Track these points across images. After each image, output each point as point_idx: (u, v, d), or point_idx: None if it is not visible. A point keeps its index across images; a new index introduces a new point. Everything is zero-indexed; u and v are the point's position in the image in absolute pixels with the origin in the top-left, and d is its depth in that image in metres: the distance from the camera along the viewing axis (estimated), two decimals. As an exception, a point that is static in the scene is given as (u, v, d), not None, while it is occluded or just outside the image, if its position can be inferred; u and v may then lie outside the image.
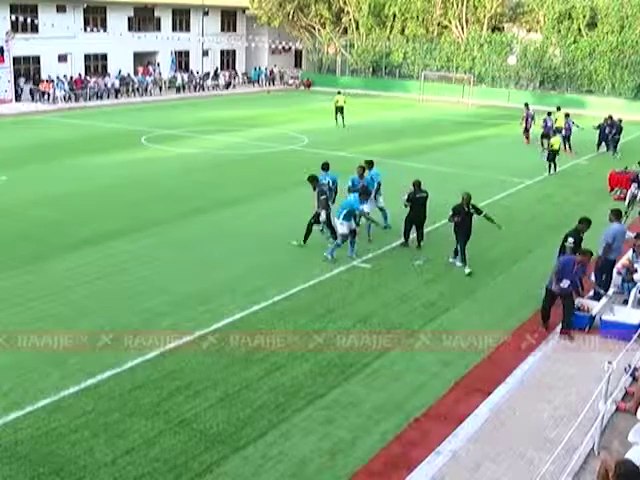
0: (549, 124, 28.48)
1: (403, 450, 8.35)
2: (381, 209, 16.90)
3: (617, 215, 13.09)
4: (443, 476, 7.72)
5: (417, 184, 15.53)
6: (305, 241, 15.45)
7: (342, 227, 14.61)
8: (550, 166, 24.38)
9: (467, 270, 14.26)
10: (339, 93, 34.90)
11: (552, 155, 24.35)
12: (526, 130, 30.52)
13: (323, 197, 15.06)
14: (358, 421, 8.90)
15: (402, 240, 15.86)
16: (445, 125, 35.32)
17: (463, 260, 14.45)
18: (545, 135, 27.86)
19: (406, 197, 15.42)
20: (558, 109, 31.14)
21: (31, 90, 41.04)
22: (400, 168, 24.67)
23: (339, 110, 33.83)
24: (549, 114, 29.16)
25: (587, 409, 7.88)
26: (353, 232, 14.76)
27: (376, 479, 7.84)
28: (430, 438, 8.51)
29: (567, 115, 29.15)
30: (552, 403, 9.26)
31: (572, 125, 28.46)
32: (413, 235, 15.83)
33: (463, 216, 14.17)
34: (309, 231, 15.45)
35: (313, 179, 15.45)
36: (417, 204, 15.44)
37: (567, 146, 28.05)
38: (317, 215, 15.28)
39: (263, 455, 8.15)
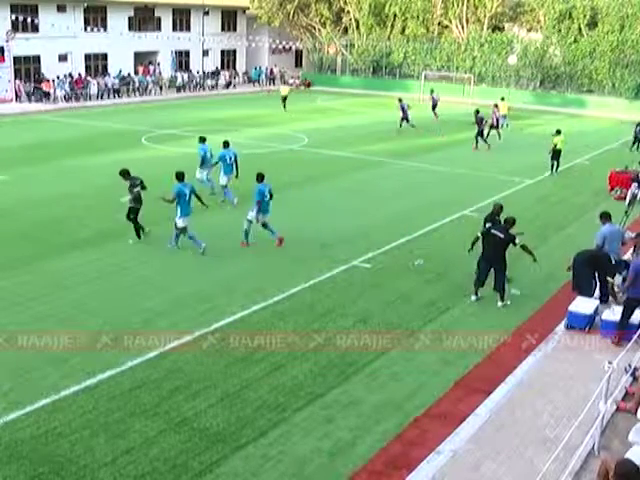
0: (497, 115, 30.69)
1: (403, 450, 8.34)
2: (202, 180, 19.30)
3: (606, 217, 13.02)
4: (443, 476, 7.71)
5: (496, 209, 13.60)
6: (139, 235, 15.56)
7: (180, 220, 14.83)
8: (553, 165, 24.38)
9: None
10: (284, 84, 44.46)
11: (556, 154, 24.29)
12: (404, 119, 32.27)
13: (136, 190, 15.41)
14: (358, 421, 8.90)
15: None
16: (445, 125, 35.24)
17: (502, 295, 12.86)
18: (494, 126, 30.08)
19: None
20: (502, 99, 33.92)
21: (29, 89, 40.97)
22: (400, 168, 24.71)
23: (283, 99, 39.60)
24: (496, 106, 31.48)
25: (587, 409, 7.87)
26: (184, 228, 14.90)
27: (376, 479, 7.85)
28: (430, 438, 8.50)
29: (495, 105, 31.51)
30: (552, 403, 9.25)
31: (500, 117, 31.05)
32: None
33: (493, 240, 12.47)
34: (136, 225, 15.57)
35: (124, 173, 15.64)
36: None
37: (499, 136, 30.07)
38: (135, 209, 15.50)
39: (263, 455, 8.15)
